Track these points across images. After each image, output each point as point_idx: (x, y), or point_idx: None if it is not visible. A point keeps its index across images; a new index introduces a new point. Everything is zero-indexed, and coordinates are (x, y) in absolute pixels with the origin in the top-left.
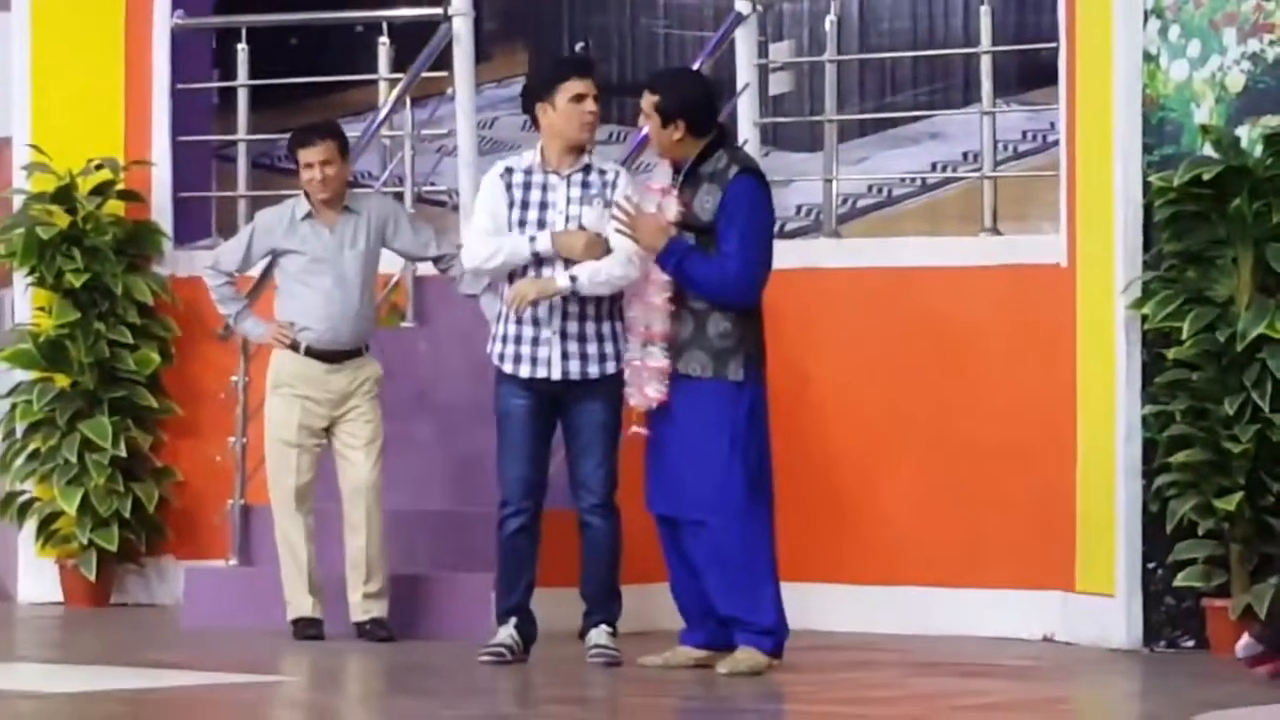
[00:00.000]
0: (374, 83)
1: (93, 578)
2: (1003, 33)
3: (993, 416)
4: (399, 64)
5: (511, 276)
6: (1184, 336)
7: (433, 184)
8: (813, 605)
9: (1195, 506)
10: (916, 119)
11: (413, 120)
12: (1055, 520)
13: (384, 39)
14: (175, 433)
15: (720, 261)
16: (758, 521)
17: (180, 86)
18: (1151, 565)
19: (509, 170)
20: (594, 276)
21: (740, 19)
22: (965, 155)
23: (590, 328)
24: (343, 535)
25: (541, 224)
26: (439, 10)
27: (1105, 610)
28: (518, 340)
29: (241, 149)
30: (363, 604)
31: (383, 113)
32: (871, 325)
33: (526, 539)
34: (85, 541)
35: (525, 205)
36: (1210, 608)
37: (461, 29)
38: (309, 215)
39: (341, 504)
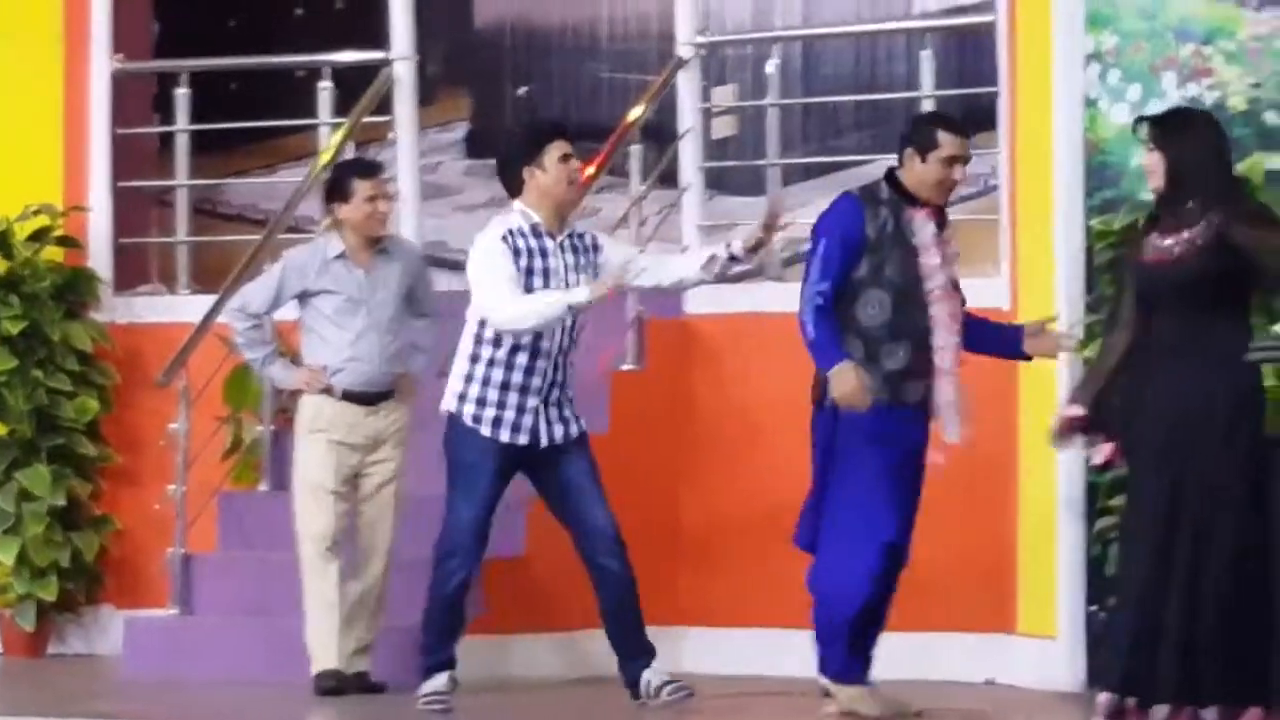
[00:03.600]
0: (315, 127)
1: (31, 628)
2: (944, 77)
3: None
4: (341, 108)
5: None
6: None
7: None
8: (756, 649)
9: None
10: (859, 163)
11: None
12: (997, 563)
13: (325, 83)
14: (114, 481)
15: None
16: None
17: (120, 131)
18: (1094, 608)
19: (510, 234)
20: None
21: (682, 63)
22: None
23: (563, 394)
24: (347, 584)
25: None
26: (381, 54)
27: (1048, 653)
28: (501, 405)
29: (182, 194)
30: (351, 659)
31: (325, 158)
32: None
33: (466, 592)
34: (23, 592)
35: (530, 272)
36: None
37: (403, 73)
38: (341, 255)
39: (356, 553)
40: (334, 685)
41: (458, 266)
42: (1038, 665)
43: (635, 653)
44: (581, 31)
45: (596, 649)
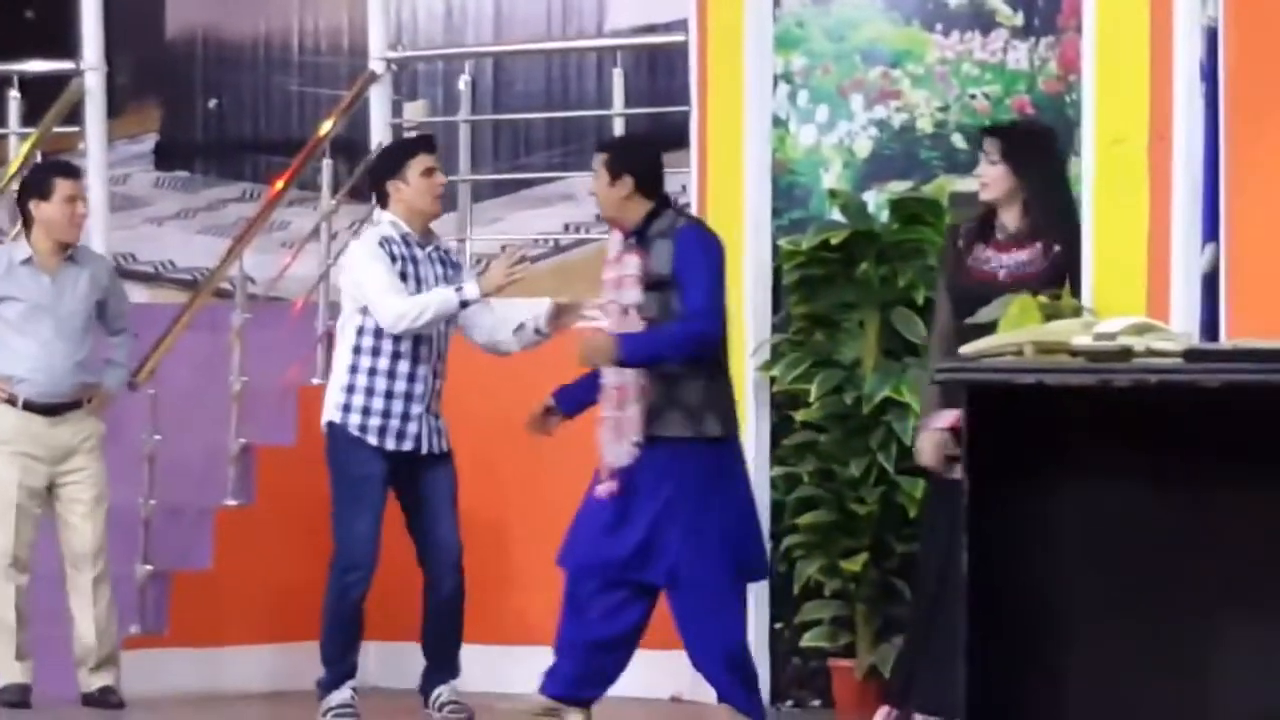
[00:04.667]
0: (4, 137)
1: None
2: (635, 95)
3: None
4: (30, 118)
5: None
6: (812, 399)
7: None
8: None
9: (822, 567)
10: (550, 180)
11: None
12: None
13: (14, 93)
14: None
15: (684, 321)
16: (728, 581)
17: None
18: (779, 625)
19: (385, 240)
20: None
21: (374, 78)
22: (597, 216)
23: (438, 404)
24: (68, 602)
25: None
26: (71, 64)
27: None
28: (386, 414)
29: None
30: (90, 675)
31: (13, 168)
32: (505, 388)
33: (363, 602)
34: None
35: (403, 278)
36: (836, 668)
37: (93, 84)
38: (28, 260)
39: (65, 568)
40: (17, 699)
41: (147, 279)
42: None
43: (440, 667)
44: (273, 44)
45: (285, 662)
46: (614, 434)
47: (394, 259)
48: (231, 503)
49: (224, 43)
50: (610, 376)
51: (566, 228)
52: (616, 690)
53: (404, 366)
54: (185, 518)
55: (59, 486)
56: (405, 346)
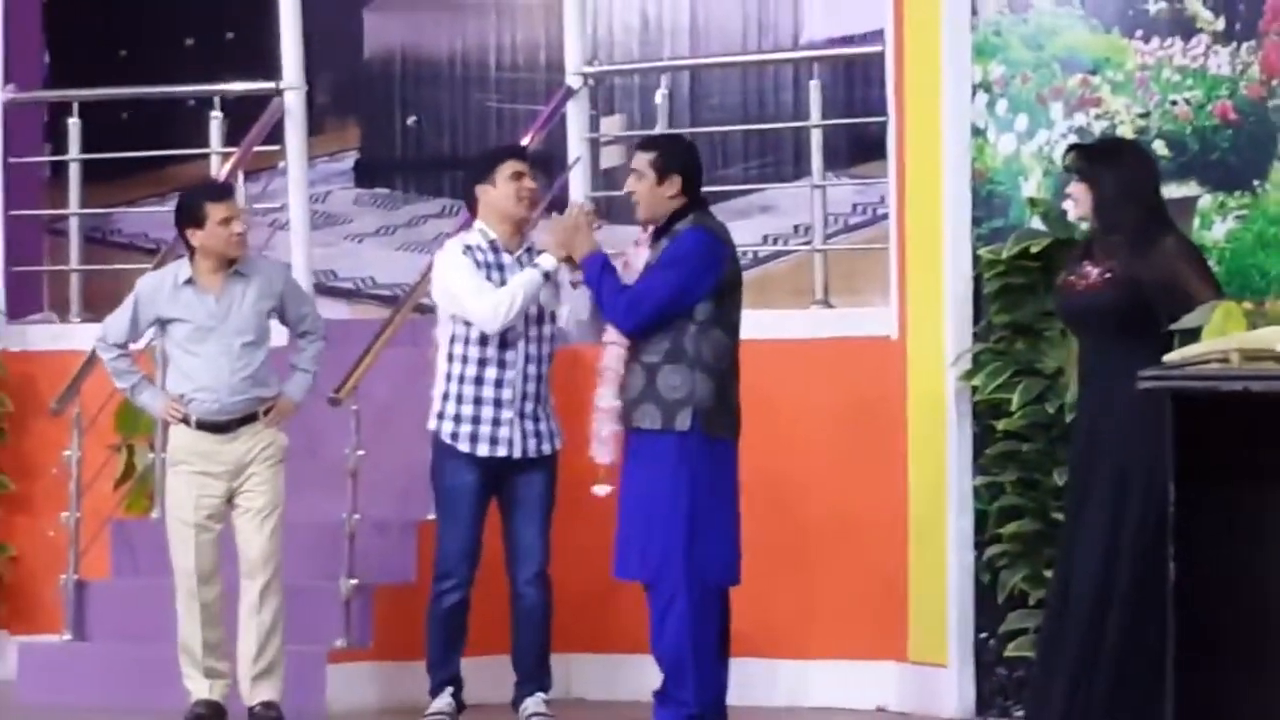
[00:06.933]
0: (206, 156)
1: None
2: (832, 106)
3: (825, 488)
4: (231, 138)
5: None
6: (1014, 408)
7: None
8: (652, 677)
9: (1026, 577)
10: (747, 192)
11: (245, 194)
12: (888, 591)
13: (216, 113)
14: (8, 508)
15: (628, 291)
16: (699, 586)
17: (12, 160)
18: (983, 635)
19: (468, 248)
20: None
21: (571, 93)
22: (796, 228)
23: (540, 408)
24: (238, 611)
25: None
26: (271, 84)
27: (938, 680)
28: (476, 420)
29: (74, 223)
30: (251, 688)
31: None
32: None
33: (463, 611)
34: None
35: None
36: None
37: (293, 103)
38: (190, 281)
39: (239, 578)
40: (202, 713)
41: (348, 295)
42: (928, 693)
43: (526, 679)
44: (470, 61)
45: (488, 677)
46: (595, 427)
47: (478, 265)
48: (434, 516)
49: (422, 60)
50: (605, 358)
51: (765, 239)
52: (821, 700)
53: (491, 372)
54: (388, 531)
55: (234, 503)
56: (491, 352)
